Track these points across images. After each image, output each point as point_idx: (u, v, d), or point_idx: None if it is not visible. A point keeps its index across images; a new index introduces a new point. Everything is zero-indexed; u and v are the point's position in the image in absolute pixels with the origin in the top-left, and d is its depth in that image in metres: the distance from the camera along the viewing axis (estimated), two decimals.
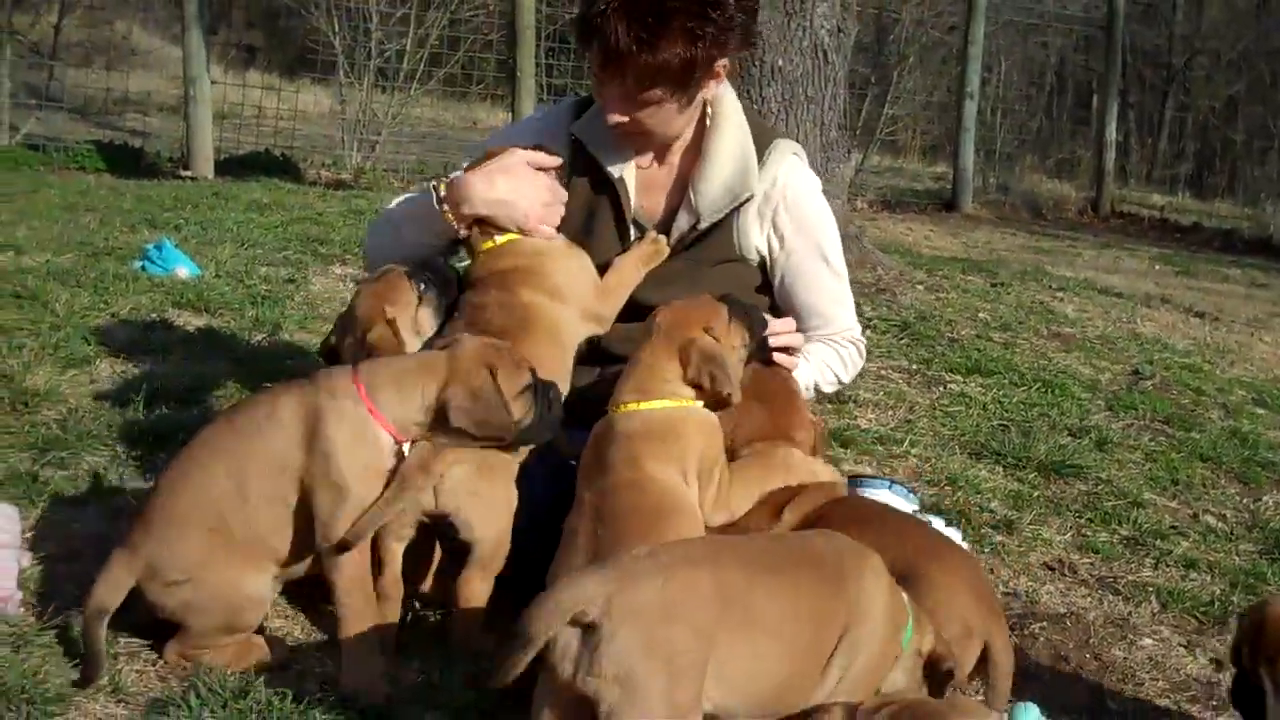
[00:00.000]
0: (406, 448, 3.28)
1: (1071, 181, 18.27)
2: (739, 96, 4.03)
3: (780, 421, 3.60)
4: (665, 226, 3.98)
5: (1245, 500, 5.45)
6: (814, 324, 4.08)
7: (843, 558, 2.90)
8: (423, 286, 3.76)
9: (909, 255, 10.65)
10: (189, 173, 11.74)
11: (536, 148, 3.88)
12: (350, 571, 3.20)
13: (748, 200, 3.92)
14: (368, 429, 3.25)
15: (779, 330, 3.80)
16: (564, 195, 3.86)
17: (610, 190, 3.95)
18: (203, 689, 3.05)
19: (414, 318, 3.76)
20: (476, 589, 3.39)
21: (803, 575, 2.81)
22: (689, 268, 3.95)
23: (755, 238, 3.99)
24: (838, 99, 8.59)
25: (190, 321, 6.04)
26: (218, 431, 3.34)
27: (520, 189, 3.75)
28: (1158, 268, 12.52)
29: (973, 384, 6.52)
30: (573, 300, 3.75)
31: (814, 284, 4.08)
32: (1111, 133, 16.69)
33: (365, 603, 3.23)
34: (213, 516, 3.20)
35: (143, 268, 6.77)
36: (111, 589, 3.14)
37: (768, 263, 4.06)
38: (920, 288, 8.69)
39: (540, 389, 3.40)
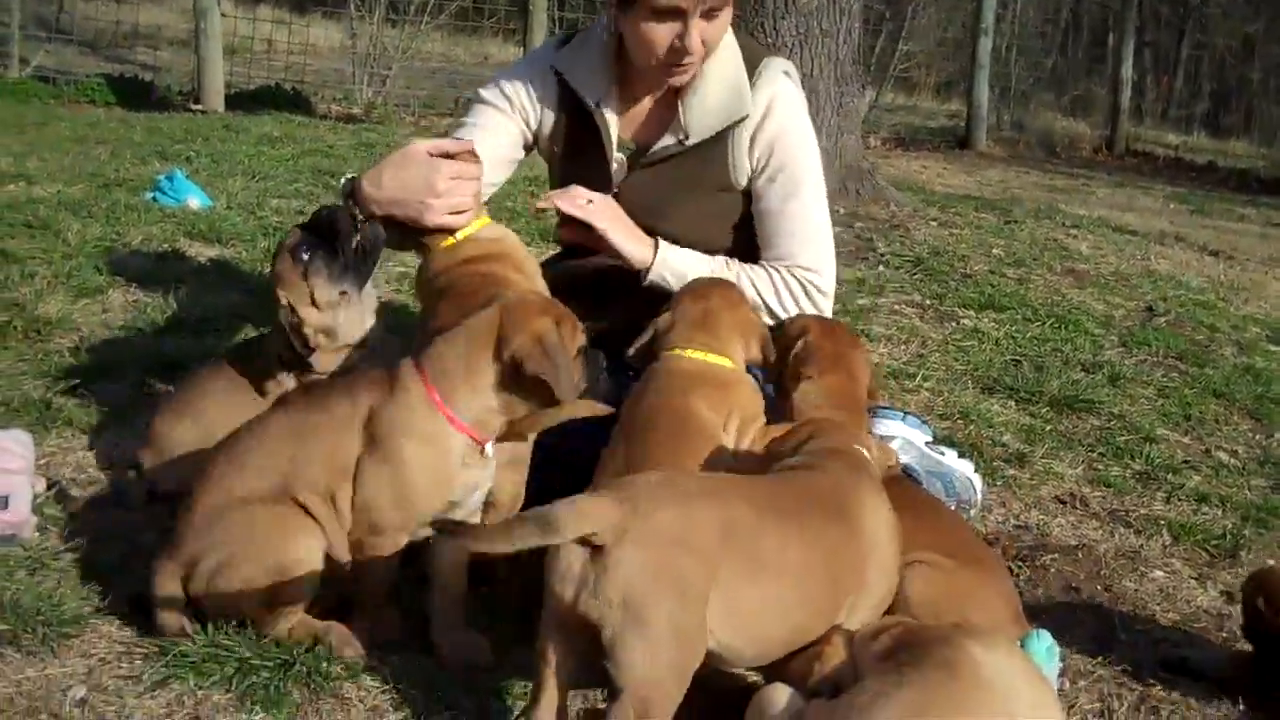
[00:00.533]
0: (490, 449, 3.11)
1: (1086, 119, 18.19)
2: (754, 30, 4.04)
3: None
4: (648, 147, 3.94)
5: (1257, 436, 5.44)
6: (772, 255, 3.98)
7: (845, 493, 2.90)
8: (306, 256, 3.55)
9: (922, 192, 10.60)
10: (199, 106, 11.71)
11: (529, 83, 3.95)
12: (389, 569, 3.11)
13: (742, 121, 3.89)
14: (441, 439, 3.03)
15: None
16: (472, 171, 3.62)
17: (591, 121, 3.93)
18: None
19: (308, 294, 3.56)
20: None
21: (813, 517, 2.81)
22: (680, 193, 3.91)
23: (745, 161, 3.94)
24: (852, 33, 8.54)
25: (202, 252, 6.04)
26: (269, 431, 3.10)
27: (407, 181, 3.57)
28: (1172, 206, 12.46)
29: (985, 319, 6.50)
30: (539, 280, 3.67)
31: (783, 216, 3.97)
32: (1127, 70, 16.59)
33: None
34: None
35: (154, 199, 6.77)
36: (169, 584, 3.01)
37: (750, 184, 3.99)
38: (933, 224, 8.66)
39: (590, 350, 3.19)
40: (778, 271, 3.93)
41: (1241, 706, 3.28)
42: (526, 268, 3.65)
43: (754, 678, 2.94)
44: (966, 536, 3.43)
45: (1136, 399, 5.65)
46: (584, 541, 2.48)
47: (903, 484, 3.50)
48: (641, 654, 2.47)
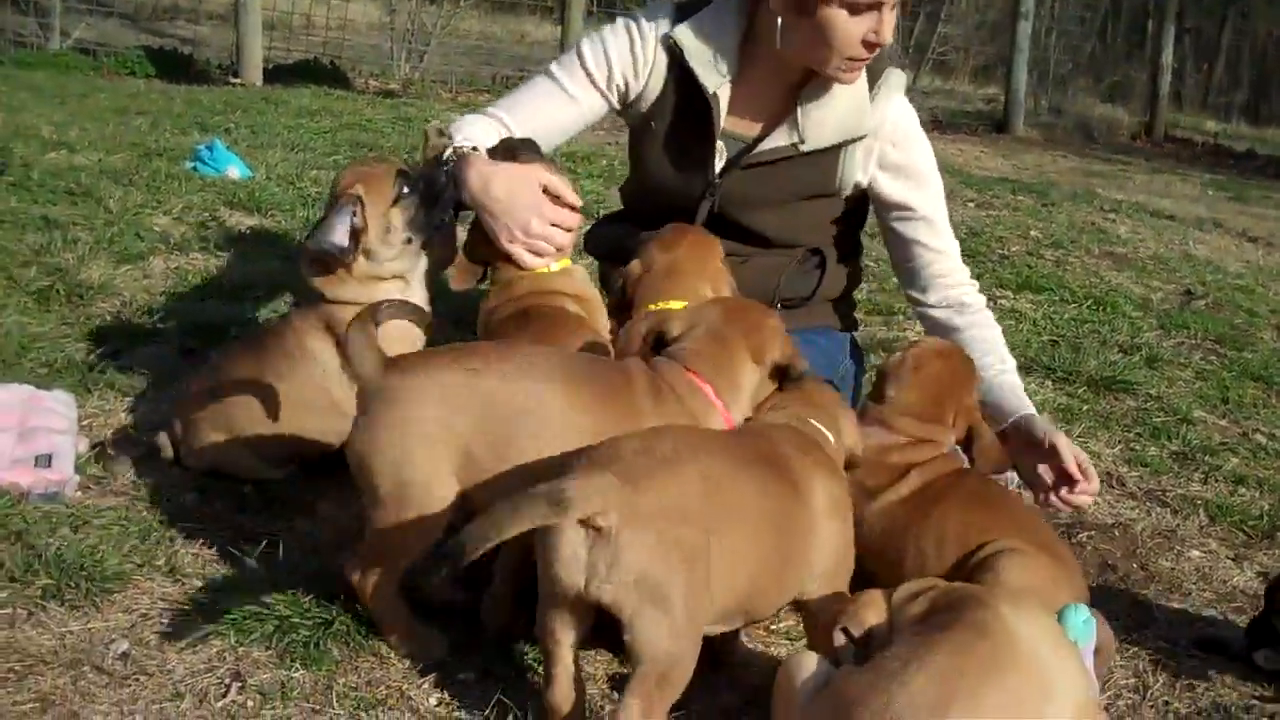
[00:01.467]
0: None
1: (1124, 105, 18.08)
2: None
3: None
4: (756, 144, 3.80)
5: None
6: (938, 270, 3.96)
7: (791, 458, 2.88)
8: (405, 189, 3.51)
9: (959, 175, 10.58)
10: (238, 80, 11.75)
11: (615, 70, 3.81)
12: None
13: (861, 138, 3.77)
14: None
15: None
16: (569, 222, 3.53)
17: (702, 105, 3.76)
18: (259, 571, 3.10)
19: (384, 213, 3.49)
20: None
21: (768, 472, 2.79)
22: (781, 196, 3.84)
23: (857, 173, 3.85)
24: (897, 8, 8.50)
25: (242, 221, 6.08)
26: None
27: (513, 203, 3.46)
28: (1210, 193, 12.39)
29: (1023, 300, 6.49)
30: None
31: (938, 231, 3.95)
32: (1168, 57, 16.49)
33: None
34: None
35: (194, 168, 6.81)
36: None
37: (873, 196, 3.94)
38: (971, 205, 8.66)
39: None
40: (983, 311, 4.01)
41: (1275, 688, 3.28)
42: (600, 317, 3.58)
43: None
44: (1041, 525, 3.39)
45: (1174, 381, 5.64)
46: (582, 523, 2.44)
47: (980, 478, 3.46)
48: (664, 629, 2.46)
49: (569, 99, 3.83)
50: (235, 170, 6.81)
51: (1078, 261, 7.49)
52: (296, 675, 2.78)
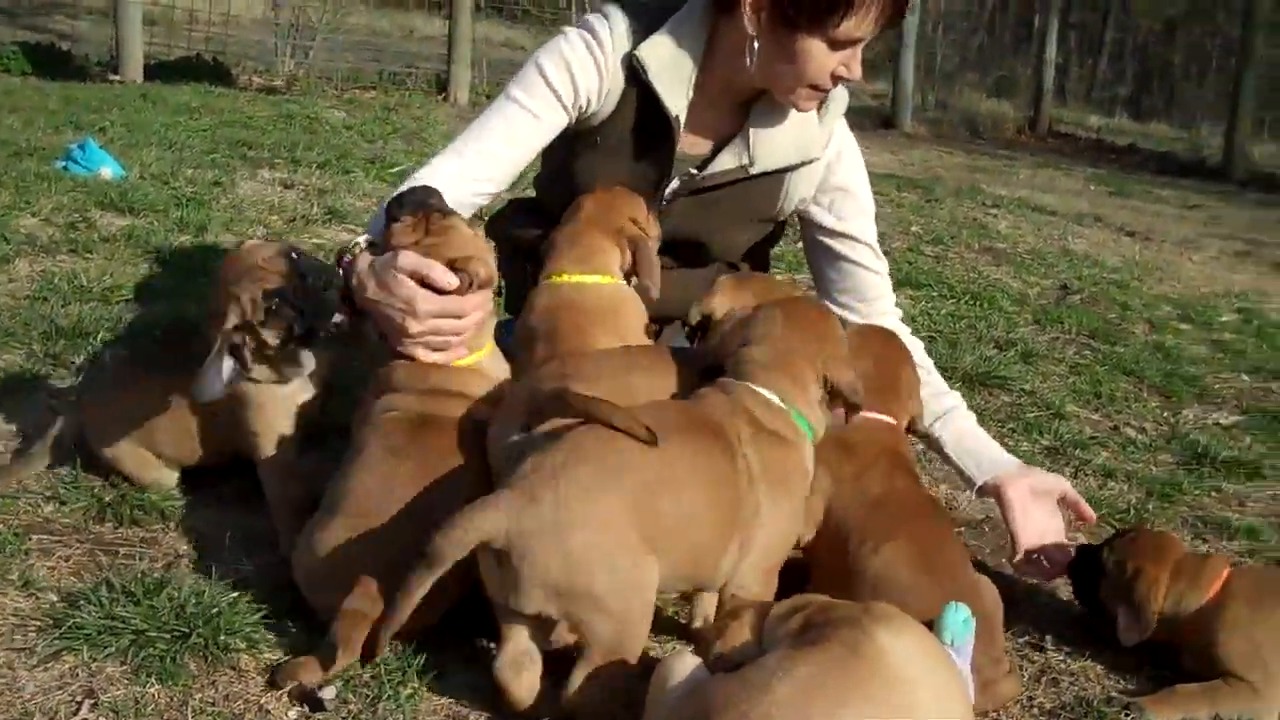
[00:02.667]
0: None
1: (1010, 101, 18.32)
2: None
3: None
4: (705, 164, 3.75)
5: (1165, 413, 5.51)
6: (875, 294, 3.98)
7: (724, 427, 2.90)
8: (274, 307, 3.24)
9: None
10: (118, 77, 11.52)
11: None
12: None
13: (810, 163, 3.75)
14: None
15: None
16: (455, 329, 3.22)
17: (662, 128, 3.65)
18: (115, 583, 3.03)
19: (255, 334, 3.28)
20: None
21: (700, 438, 2.82)
22: (728, 221, 3.79)
23: (797, 198, 3.82)
24: None
25: (113, 222, 5.96)
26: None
27: (387, 305, 3.16)
28: (1092, 187, 12.59)
29: (902, 296, 6.51)
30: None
31: (874, 253, 3.96)
32: (1051, 52, 16.74)
33: None
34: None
35: (65, 168, 6.67)
36: None
37: (807, 215, 3.91)
38: None
39: None
40: (901, 323, 4.01)
41: (1143, 677, 3.33)
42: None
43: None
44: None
45: (1048, 376, 5.72)
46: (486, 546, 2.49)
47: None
48: (597, 621, 2.52)
49: (533, 118, 3.64)
50: (108, 170, 6.68)
51: (957, 257, 7.58)
52: (151, 691, 2.73)
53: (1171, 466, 4.90)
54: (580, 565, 2.50)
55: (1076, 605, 3.63)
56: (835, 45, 3.39)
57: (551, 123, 3.66)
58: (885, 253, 6.96)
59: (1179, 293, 7.76)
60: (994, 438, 4.73)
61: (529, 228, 3.89)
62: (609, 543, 2.55)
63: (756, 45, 3.47)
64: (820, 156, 3.75)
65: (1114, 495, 4.52)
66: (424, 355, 3.21)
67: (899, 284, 6.58)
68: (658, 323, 3.74)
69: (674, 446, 2.73)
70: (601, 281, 3.44)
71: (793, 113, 3.65)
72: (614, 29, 3.65)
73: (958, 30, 18.79)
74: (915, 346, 3.89)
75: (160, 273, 5.25)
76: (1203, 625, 3.25)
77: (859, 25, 3.34)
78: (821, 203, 3.85)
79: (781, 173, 3.74)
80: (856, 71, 3.47)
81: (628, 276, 3.50)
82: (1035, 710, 3.15)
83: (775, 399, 3.03)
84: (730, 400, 2.99)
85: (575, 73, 3.62)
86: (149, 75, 11.70)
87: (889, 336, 3.67)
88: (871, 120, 15.53)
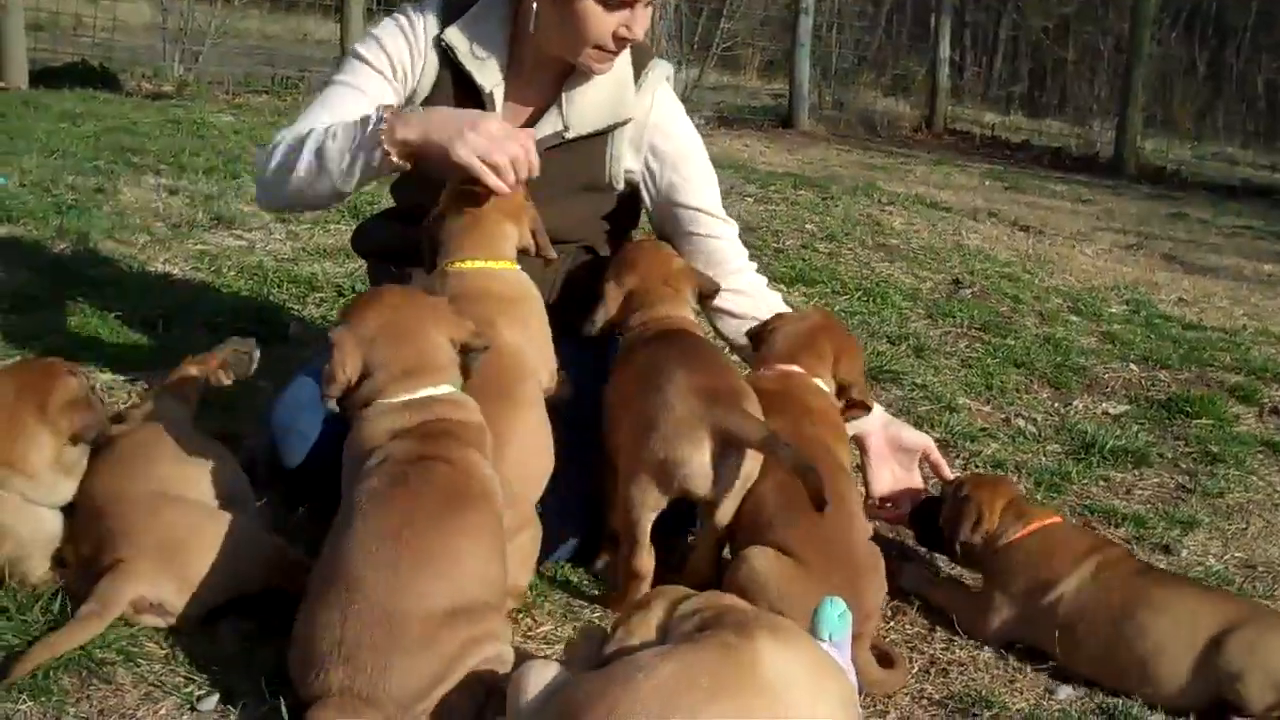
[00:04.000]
0: None
1: (907, 99, 18.45)
2: None
3: None
4: None
5: (1055, 404, 5.57)
6: (720, 258, 4.01)
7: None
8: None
9: (743, 170, 10.68)
10: (1, 83, 11.29)
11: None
12: None
13: (624, 123, 3.83)
14: None
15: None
16: (528, 143, 3.41)
17: (479, 105, 3.74)
18: None
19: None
20: None
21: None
22: (552, 188, 3.75)
23: (628, 162, 3.89)
24: (667, 9, 8.56)
25: None
26: None
27: (458, 116, 3.42)
28: (987, 183, 12.70)
29: (796, 293, 6.57)
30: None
31: (715, 217, 4.01)
32: (945, 50, 16.88)
33: None
34: None
35: None
36: None
37: (645, 187, 3.96)
38: (750, 200, 8.74)
39: None
40: (757, 275, 4.12)
41: (1030, 669, 3.36)
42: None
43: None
44: None
45: (940, 369, 5.76)
46: None
47: None
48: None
49: (359, 94, 3.73)
50: None
51: (851, 254, 7.62)
52: (23, 708, 2.67)
53: (1060, 456, 4.95)
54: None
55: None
56: (610, 6, 3.53)
57: (377, 93, 3.75)
58: (779, 250, 7.07)
59: (1070, 285, 7.85)
60: None
61: (392, 236, 3.95)
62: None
63: (536, 8, 3.63)
64: (635, 116, 3.83)
65: None
66: (479, 168, 3.31)
67: (792, 281, 6.66)
68: None
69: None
70: (507, 268, 3.45)
71: (607, 78, 3.75)
72: (425, 14, 3.81)
73: (854, 30, 18.87)
74: (774, 297, 4.11)
75: (39, 281, 5.15)
76: (1002, 555, 3.52)
77: None
78: (655, 172, 3.92)
79: (600, 135, 3.82)
80: (638, 31, 3.60)
81: (523, 253, 3.51)
82: (925, 701, 3.17)
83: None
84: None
85: (386, 46, 3.77)
86: (35, 81, 11.44)
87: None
88: (769, 119, 15.58)
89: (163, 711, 2.73)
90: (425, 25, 3.80)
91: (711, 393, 3.25)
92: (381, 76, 3.77)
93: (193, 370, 3.56)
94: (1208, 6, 25.40)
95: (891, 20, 24.23)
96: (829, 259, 7.36)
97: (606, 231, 4.04)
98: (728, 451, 3.22)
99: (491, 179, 3.33)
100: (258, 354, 3.60)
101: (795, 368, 3.68)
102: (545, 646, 3.19)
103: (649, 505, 3.26)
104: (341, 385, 2.95)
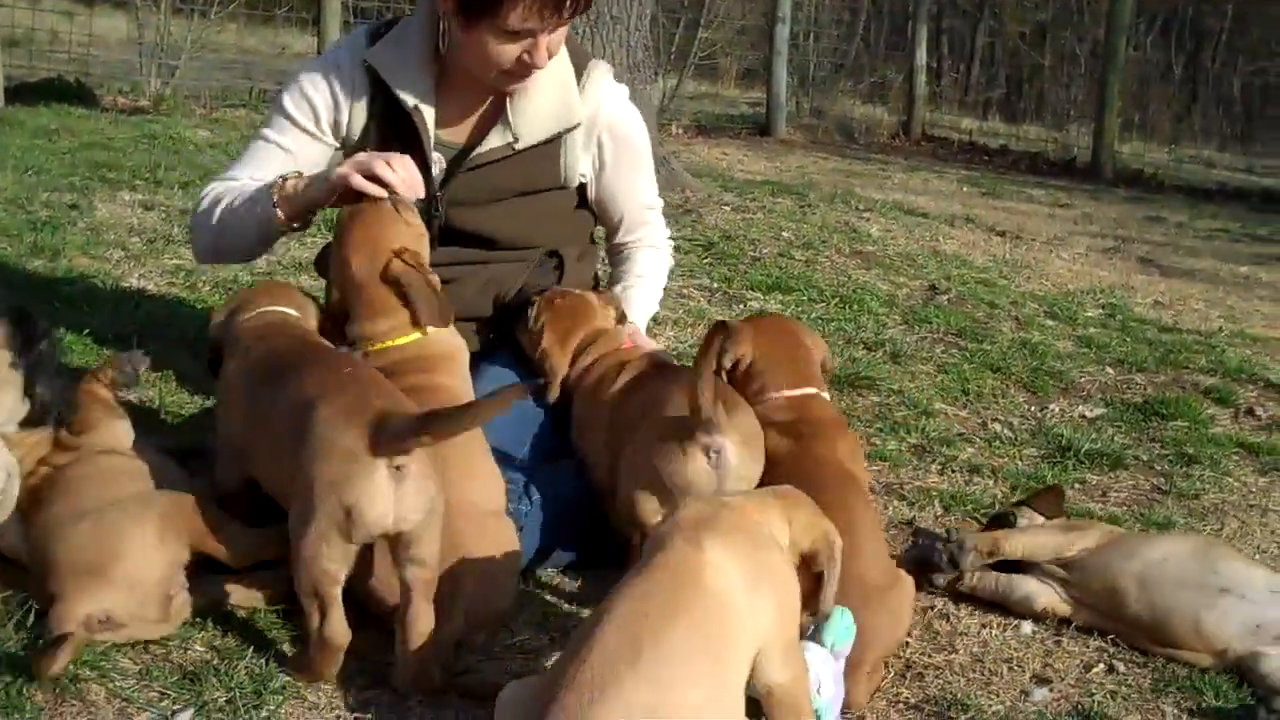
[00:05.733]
0: None
1: (884, 106, 18.49)
2: None
3: None
4: (472, 148, 3.88)
5: (1032, 408, 5.58)
6: (642, 232, 4.24)
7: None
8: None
9: (721, 179, 10.70)
10: None
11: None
12: None
13: (574, 128, 3.90)
14: None
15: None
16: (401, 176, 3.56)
17: (408, 121, 3.83)
18: None
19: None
20: None
21: None
22: (509, 195, 3.92)
23: (581, 165, 3.99)
24: (644, 19, 8.57)
25: None
26: None
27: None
28: (965, 189, 12.73)
29: (772, 301, 6.59)
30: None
31: (641, 201, 4.20)
32: (922, 57, 16.92)
33: None
34: None
35: None
36: None
37: (589, 184, 4.08)
38: (727, 209, 8.75)
39: None
40: (655, 249, 4.27)
41: (1006, 671, 3.37)
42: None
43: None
44: None
45: (916, 375, 5.77)
46: None
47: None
48: None
49: (285, 154, 3.85)
50: None
51: (828, 261, 7.63)
52: None
53: (1036, 460, 4.96)
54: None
55: (937, 598, 3.68)
56: (509, 36, 3.61)
57: (306, 154, 3.88)
58: (755, 259, 7.08)
59: (1046, 290, 7.87)
60: (862, 438, 4.82)
61: None
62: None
63: (447, 35, 3.77)
64: (581, 122, 3.92)
65: (980, 490, 4.57)
66: (364, 186, 3.46)
67: (769, 289, 6.67)
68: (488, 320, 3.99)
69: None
70: (413, 339, 3.48)
71: (551, 85, 3.85)
72: (353, 43, 3.92)
73: (831, 38, 18.91)
74: (651, 260, 4.30)
75: (12, 298, 5.09)
76: None
77: (524, 17, 3.55)
78: (601, 164, 4.06)
79: (554, 142, 3.91)
80: (540, 60, 3.68)
81: None
82: (900, 705, 3.18)
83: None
84: None
85: (310, 94, 3.87)
86: (9, 98, 11.39)
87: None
88: (747, 128, 15.60)
89: None
90: (352, 54, 3.88)
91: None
92: (304, 132, 3.87)
93: (99, 390, 3.48)
94: (1184, 11, 25.53)
95: (869, 28, 24.26)
96: (806, 266, 7.37)
97: (569, 234, 4.14)
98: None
99: (370, 188, 3.46)
100: (144, 367, 3.56)
101: (809, 389, 3.72)
102: (522, 657, 3.19)
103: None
104: None
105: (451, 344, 3.56)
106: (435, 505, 2.89)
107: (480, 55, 3.68)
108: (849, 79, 19.02)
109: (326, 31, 11.81)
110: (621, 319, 3.95)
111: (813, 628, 2.92)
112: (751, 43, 19.10)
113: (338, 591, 2.85)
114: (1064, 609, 3.62)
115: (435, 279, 3.52)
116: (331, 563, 2.82)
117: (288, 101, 3.88)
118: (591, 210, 4.20)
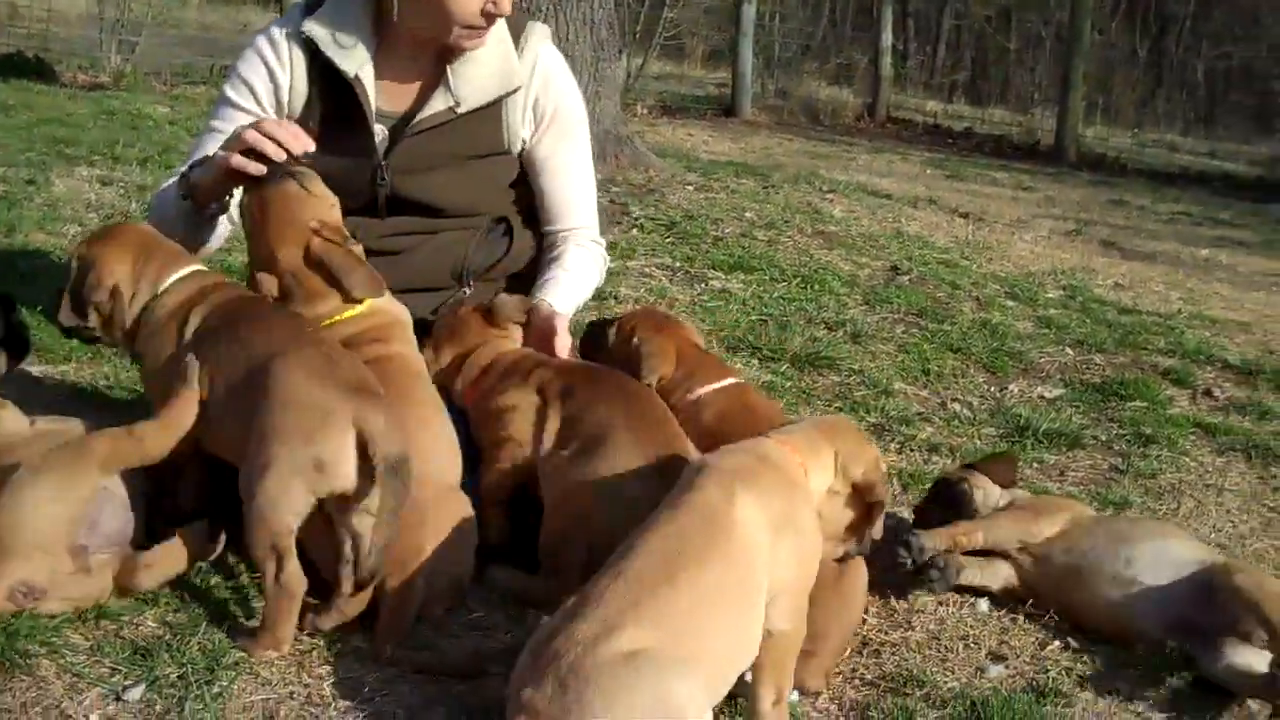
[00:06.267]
0: None
1: (850, 88, 18.53)
2: None
3: None
4: (414, 115, 3.85)
5: (991, 388, 5.60)
6: (570, 222, 4.11)
7: None
8: None
9: (686, 159, 10.69)
10: None
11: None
12: None
13: (514, 91, 3.89)
14: None
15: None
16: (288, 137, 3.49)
17: (349, 92, 3.79)
18: None
19: None
20: None
21: None
22: (453, 160, 3.89)
23: (520, 128, 3.97)
24: None
25: None
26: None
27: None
28: (929, 171, 12.77)
29: (734, 280, 6.58)
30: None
31: (571, 181, 4.11)
32: (887, 39, 16.98)
33: None
34: None
35: None
36: None
37: (525, 148, 4.03)
38: (690, 188, 8.74)
39: None
40: (584, 249, 4.08)
41: (962, 648, 3.38)
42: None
43: None
44: None
45: (877, 355, 5.78)
46: None
47: None
48: None
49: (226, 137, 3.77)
50: None
51: (790, 241, 7.63)
52: None
53: (995, 439, 4.98)
54: None
55: (892, 579, 3.68)
56: None
57: None
58: (717, 238, 7.08)
59: (1008, 271, 7.90)
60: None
61: None
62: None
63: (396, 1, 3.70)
64: (523, 85, 3.92)
65: (938, 469, 4.57)
66: (236, 162, 3.41)
67: (730, 269, 6.67)
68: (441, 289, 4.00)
69: None
70: (356, 313, 3.43)
71: (491, 48, 3.83)
72: (288, 18, 3.89)
73: (797, 19, 18.95)
74: (589, 263, 4.13)
75: None
76: None
77: None
78: (535, 129, 4.01)
79: (494, 106, 3.89)
80: (505, 7, 3.69)
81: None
82: (857, 681, 3.19)
83: None
84: None
85: (246, 76, 3.85)
86: None
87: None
88: (712, 109, 15.60)
89: (87, 702, 2.70)
90: (286, 28, 3.84)
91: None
92: (247, 114, 3.82)
93: None
94: None
95: (835, 9, 24.33)
96: (768, 246, 7.37)
97: (515, 199, 4.10)
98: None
99: (249, 165, 3.42)
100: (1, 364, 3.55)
101: (730, 380, 3.73)
102: (477, 633, 3.18)
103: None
104: None
105: (392, 312, 3.51)
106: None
107: (443, 11, 3.65)
108: (815, 60, 19.08)
109: (288, 6, 11.73)
110: (538, 319, 3.80)
111: None
112: (718, 23, 19.11)
113: (292, 542, 2.89)
114: (1019, 588, 3.63)
115: (358, 248, 3.48)
116: (291, 514, 2.87)
117: (228, 88, 3.88)
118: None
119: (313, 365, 2.97)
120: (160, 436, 3.09)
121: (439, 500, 3.18)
